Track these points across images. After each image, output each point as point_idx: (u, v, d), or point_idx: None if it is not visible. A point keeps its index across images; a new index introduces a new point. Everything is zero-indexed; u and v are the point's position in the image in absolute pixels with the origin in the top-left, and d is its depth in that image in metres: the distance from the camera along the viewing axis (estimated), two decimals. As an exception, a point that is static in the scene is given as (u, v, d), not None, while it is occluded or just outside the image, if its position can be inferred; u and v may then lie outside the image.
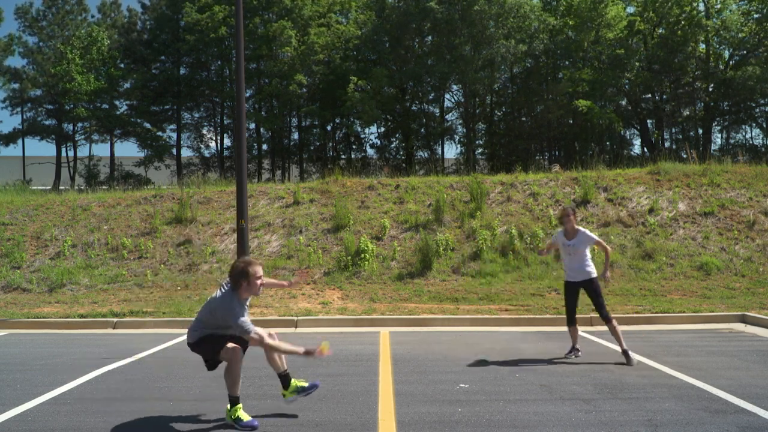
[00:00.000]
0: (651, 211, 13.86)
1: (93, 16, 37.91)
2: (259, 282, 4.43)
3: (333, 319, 9.55)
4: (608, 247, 6.66)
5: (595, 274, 6.50)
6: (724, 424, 4.27)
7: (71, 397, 5.15)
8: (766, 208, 13.81)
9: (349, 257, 12.45)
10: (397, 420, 4.41)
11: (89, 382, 5.71)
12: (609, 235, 13.07)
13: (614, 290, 11.07)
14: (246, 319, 4.32)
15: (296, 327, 9.40)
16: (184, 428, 4.30)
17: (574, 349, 6.70)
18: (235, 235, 12.37)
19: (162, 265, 12.86)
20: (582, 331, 8.70)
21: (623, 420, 4.38)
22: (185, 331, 9.02)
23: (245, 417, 4.36)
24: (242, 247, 10.48)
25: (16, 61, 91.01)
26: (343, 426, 4.29)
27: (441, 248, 12.64)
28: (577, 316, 6.66)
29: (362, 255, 12.44)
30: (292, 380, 4.64)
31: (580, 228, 6.60)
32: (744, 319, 9.29)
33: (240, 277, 4.41)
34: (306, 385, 4.65)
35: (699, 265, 12.02)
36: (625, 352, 6.30)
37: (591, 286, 6.46)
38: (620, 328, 6.46)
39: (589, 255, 6.58)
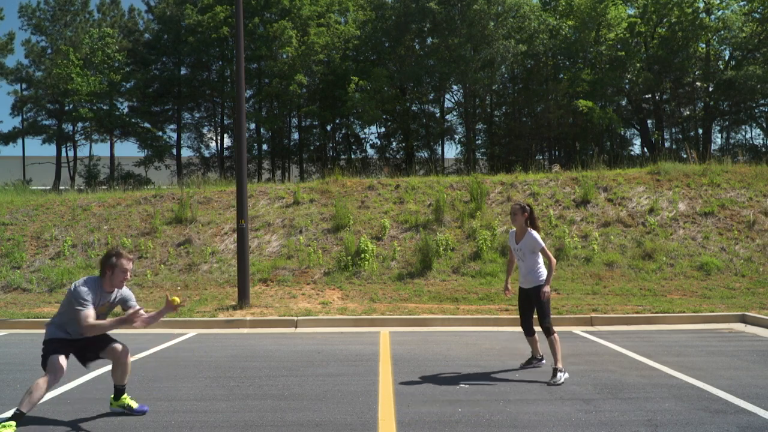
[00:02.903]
0: (651, 211, 13.86)
1: (93, 17, 37.89)
2: (122, 276, 4.29)
3: (333, 319, 9.55)
4: (553, 259, 5.74)
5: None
6: (724, 424, 4.27)
7: (71, 397, 5.15)
8: (766, 208, 13.81)
9: (349, 257, 12.46)
10: (397, 420, 4.41)
11: (89, 381, 5.71)
12: (609, 235, 13.07)
13: (614, 290, 11.08)
14: (86, 311, 4.10)
15: (296, 327, 9.40)
16: (184, 428, 4.30)
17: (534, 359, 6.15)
18: (235, 235, 12.37)
19: (162, 265, 12.87)
20: (582, 330, 8.72)
21: (623, 420, 4.38)
22: (185, 330, 9.07)
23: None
24: (242, 247, 10.48)
25: (15, 60, 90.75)
26: (343, 426, 4.29)
27: (441, 248, 12.64)
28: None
29: (362, 255, 12.44)
30: (124, 395, 4.61)
31: (530, 229, 5.76)
32: (744, 319, 9.29)
33: (104, 265, 4.21)
34: (135, 406, 4.58)
35: (699, 265, 12.02)
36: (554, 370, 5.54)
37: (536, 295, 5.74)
38: (559, 345, 5.65)
39: (540, 261, 5.79)
